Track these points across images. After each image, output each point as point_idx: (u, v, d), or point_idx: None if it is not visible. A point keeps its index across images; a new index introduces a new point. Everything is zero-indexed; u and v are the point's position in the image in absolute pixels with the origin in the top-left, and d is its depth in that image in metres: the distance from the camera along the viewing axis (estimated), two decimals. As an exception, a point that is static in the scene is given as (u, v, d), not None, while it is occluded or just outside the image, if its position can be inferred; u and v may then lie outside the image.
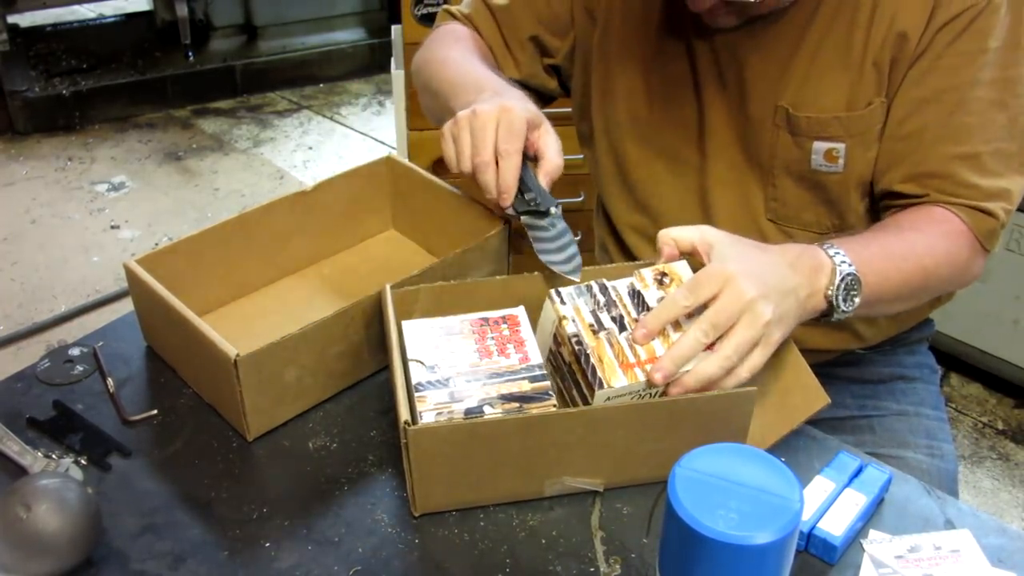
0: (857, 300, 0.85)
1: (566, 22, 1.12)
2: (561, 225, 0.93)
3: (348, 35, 4.00)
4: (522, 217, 0.93)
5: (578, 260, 0.91)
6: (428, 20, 2.12)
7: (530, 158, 0.94)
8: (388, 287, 0.91)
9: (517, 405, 0.81)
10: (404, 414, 0.77)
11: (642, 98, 1.08)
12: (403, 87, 2.23)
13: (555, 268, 0.90)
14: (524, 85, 1.15)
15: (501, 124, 0.90)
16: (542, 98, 1.20)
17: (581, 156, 2.22)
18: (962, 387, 2.25)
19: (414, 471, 0.79)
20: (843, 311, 0.85)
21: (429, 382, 0.83)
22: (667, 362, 0.78)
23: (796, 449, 0.89)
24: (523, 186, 0.92)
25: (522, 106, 0.93)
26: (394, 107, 2.42)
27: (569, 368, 0.85)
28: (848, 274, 0.84)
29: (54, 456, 0.88)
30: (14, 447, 0.88)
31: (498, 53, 1.14)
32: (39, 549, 0.74)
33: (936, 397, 1.18)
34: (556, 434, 0.80)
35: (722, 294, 0.78)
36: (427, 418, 0.80)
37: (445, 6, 1.21)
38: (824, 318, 0.86)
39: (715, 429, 0.82)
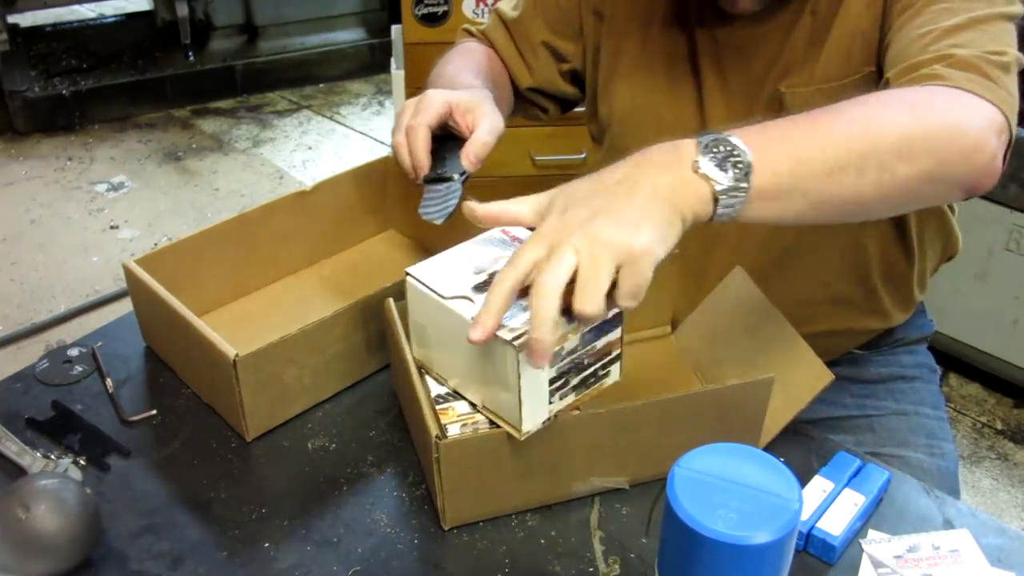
0: (747, 163, 0.68)
1: (576, 26, 1.14)
2: (455, 187, 0.94)
3: (348, 35, 4.00)
4: (426, 185, 0.95)
5: (450, 210, 0.91)
6: (428, 20, 2.12)
7: (465, 138, 0.95)
8: (391, 301, 0.90)
9: None
10: (434, 428, 0.77)
11: (645, 96, 1.09)
12: (403, 87, 2.23)
13: (425, 216, 0.92)
14: (541, 92, 1.18)
15: (414, 107, 0.94)
16: (564, 105, 1.22)
17: (582, 156, 2.23)
18: (961, 387, 2.25)
19: (445, 485, 0.79)
20: (732, 183, 0.67)
21: (448, 394, 0.83)
22: (483, 316, 0.67)
23: (795, 449, 0.89)
24: (439, 160, 0.95)
25: (447, 90, 0.95)
26: (394, 107, 2.42)
27: None
28: (713, 139, 0.68)
29: (53, 456, 0.88)
30: (13, 447, 0.88)
31: (512, 63, 1.16)
32: (38, 549, 0.74)
33: (936, 397, 1.18)
34: (583, 436, 0.80)
35: (530, 244, 0.67)
36: (452, 431, 0.79)
37: (464, 25, 1.23)
38: (721, 208, 0.68)
39: (734, 418, 0.83)
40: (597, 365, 0.78)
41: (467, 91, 0.98)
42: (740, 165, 0.68)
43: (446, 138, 0.96)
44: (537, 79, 1.17)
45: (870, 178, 0.71)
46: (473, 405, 0.81)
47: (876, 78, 0.96)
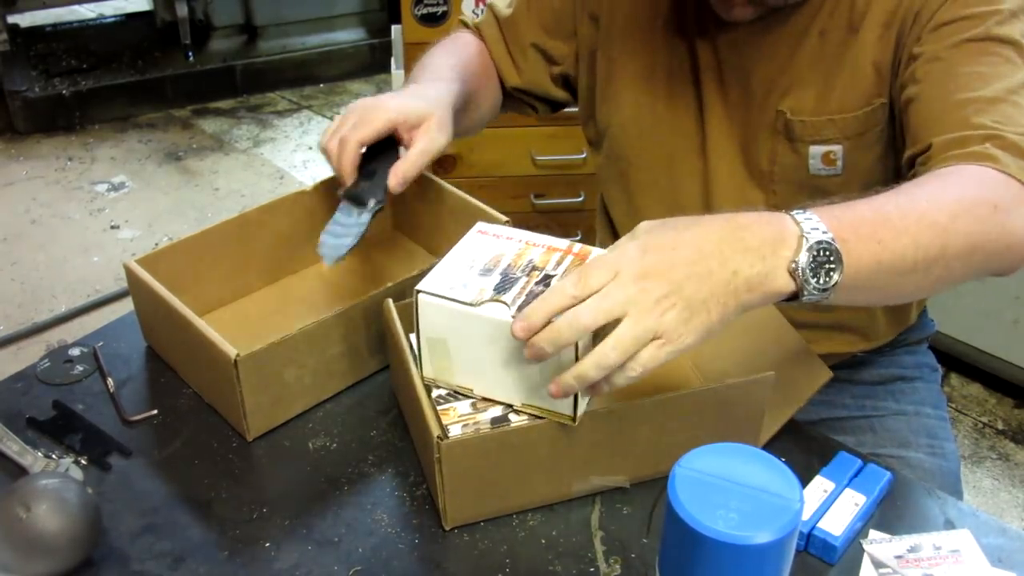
0: (836, 276, 0.69)
1: (570, 28, 1.13)
2: (364, 219, 0.95)
3: (348, 35, 4.00)
4: (342, 200, 0.97)
5: (343, 252, 0.92)
6: (428, 20, 2.12)
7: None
8: (391, 301, 0.90)
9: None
10: (435, 429, 0.77)
11: (645, 104, 1.08)
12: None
13: (319, 248, 0.93)
14: (528, 92, 1.18)
15: (358, 115, 0.95)
16: (551, 106, 1.21)
17: (582, 156, 2.23)
18: (962, 387, 2.25)
19: (446, 485, 0.79)
20: (816, 289, 0.68)
21: (449, 395, 0.83)
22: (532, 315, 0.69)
23: (796, 449, 0.89)
24: (366, 175, 0.96)
25: (399, 102, 0.96)
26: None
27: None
28: (820, 242, 0.68)
29: (54, 456, 0.88)
30: (14, 447, 0.88)
31: (500, 61, 1.16)
32: (39, 549, 0.74)
33: (937, 396, 1.18)
34: (583, 436, 0.80)
35: (607, 289, 0.67)
36: (454, 431, 0.79)
37: (461, 16, 1.23)
38: (795, 299, 0.70)
39: (734, 416, 0.83)
40: None
41: (421, 102, 0.97)
42: (833, 272, 0.69)
43: (389, 148, 0.96)
44: (525, 80, 1.16)
45: (932, 276, 0.74)
46: (508, 407, 0.81)
47: (887, 109, 0.95)
